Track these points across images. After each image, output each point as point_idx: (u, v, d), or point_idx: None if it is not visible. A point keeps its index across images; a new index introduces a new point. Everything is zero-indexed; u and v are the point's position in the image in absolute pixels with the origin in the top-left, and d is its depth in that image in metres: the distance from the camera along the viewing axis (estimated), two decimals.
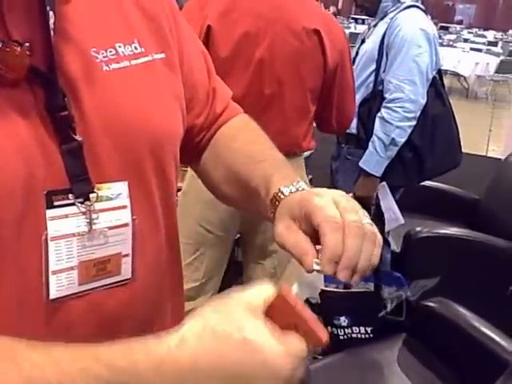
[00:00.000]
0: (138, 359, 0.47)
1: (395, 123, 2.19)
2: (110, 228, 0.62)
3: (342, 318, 2.21)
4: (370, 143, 2.25)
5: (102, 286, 0.63)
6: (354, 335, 2.23)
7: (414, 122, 2.21)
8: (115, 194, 0.62)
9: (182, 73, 0.74)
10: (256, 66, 1.70)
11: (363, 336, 2.22)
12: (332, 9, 24.22)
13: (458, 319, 1.72)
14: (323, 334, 0.48)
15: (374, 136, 2.24)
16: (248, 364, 0.47)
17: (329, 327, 2.25)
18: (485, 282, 2.30)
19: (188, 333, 0.48)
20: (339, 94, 1.88)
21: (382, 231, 2.34)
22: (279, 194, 0.67)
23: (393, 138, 2.20)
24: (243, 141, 0.81)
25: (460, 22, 26.55)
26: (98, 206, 0.61)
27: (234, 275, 2.16)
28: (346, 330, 2.23)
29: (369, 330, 2.21)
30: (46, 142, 0.57)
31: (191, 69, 0.77)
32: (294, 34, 1.72)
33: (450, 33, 17.54)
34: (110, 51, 0.63)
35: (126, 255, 0.64)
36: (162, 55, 0.69)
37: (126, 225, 0.64)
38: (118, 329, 0.64)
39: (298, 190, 0.67)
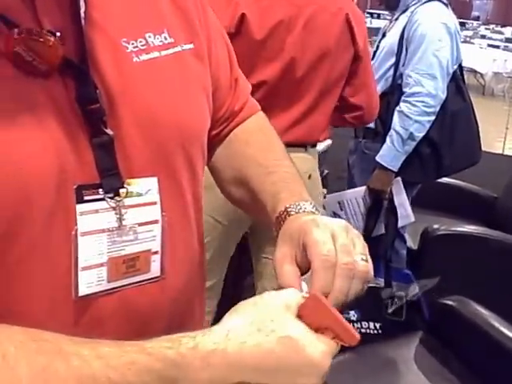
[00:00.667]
0: (187, 352, 0.48)
1: (414, 117, 2.16)
2: (140, 224, 0.61)
3: (352, 312, 2.20)
4: (388, 137, 2.22)
5: (132, 283, 0.62)
6: (363, 330, 2.22)
7: (433, 117, 2.18)
8: (145, 189, 0.61)
9: (210, 63, 0.73)
10: (289, 50, 1.71)
11: (372, 331, 2.21)
12: None
13: (476, 318, 1.69)
14: (356, 333, 0.51)
15: (391, 130, 2.21)
16: (291, 360, 0.49)
17: None
18: (503, 280, 2.27)
19: (234, 327, 0.50)
20: (366, 77, 1.88)
21: (395, 226, 2.32)
22: (285, 213, 0.67)
23: (411, 133, 2.17)
24: (256, 147, 0.80)
25: (477, 18, 26.29)
26: (127, 201, 0.60)
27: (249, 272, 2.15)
28: (355, 324, 2.22)
29: (378, 326, 2.19)
30: (77, 135, 0.56)
31: (217, 60, 0.76)
32: (324, 18, 1.73)
33: (467, 29, 17.37)
34: (140, 41, 0.62)
35: (156, 252, 0.63)
36: (191, 46, 0.68)
37: (155, 221, 0.62)
38: (149, 326, 0.63)
39: (304, 211, 0.67)
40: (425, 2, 2.26)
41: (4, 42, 0.52)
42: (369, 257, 0.61)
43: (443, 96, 2.19)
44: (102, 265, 0.59)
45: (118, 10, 0.62)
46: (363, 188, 2.33)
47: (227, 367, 0.49)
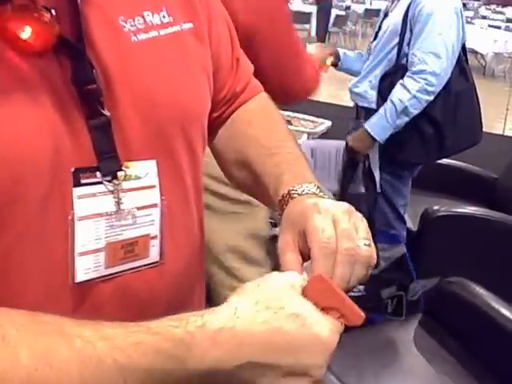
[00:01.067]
0: (195, 330, 0.48)
1: (413, 92, 2.12)
2: (139, 208, 0.59)
3: None
4: (382, 107, 2.18)
5: (130, 268, 0.60)
6: None
7: (432, 97, 2.15)
8: (143, 172, 0.59)
9: (211, 43, 0.70)
10: None
11: (355, 294, 2.19)
12: None
13: (476, 299, 1.69)
14: (362, 313, 0.51)
15: (388, 100, 2.17)
16: (300, 337, 0.49)
17: None
18: (504, 261, 2.27)
19: (242, 306, 0.49)
20: (275, 59, 1.52)
21: (374, 189, 2.29)
22: (287, 196, 0.65)
23: (406, 107, 2.13)
24: (258, 128, 0.78)
25: None
26: (125, 185, 0.58)
27: None
28: None
29: (361, 287, 2.16)
30: (73, 117, 0.54)
31: (218, 40, 0.74)
32: None
33: (468, 9, 17.23)
34: (138, 20, 0.60)
35: (155, 237, 0.62)
36: (190, 25, 0.66)
37: (154, 205, 0.61)
38: (147, 311, 0.61)
39: (307, 193, 0.64)
40: None
41: None
42: (372, 241, 0.59)
43: (446, 77, 2.15)
44: (99, 250, 0.57)
45: None
46: (341, 143, 2.30)
47: (236, 346, 0.48)
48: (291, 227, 0.60)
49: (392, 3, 2.39)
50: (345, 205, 0.60)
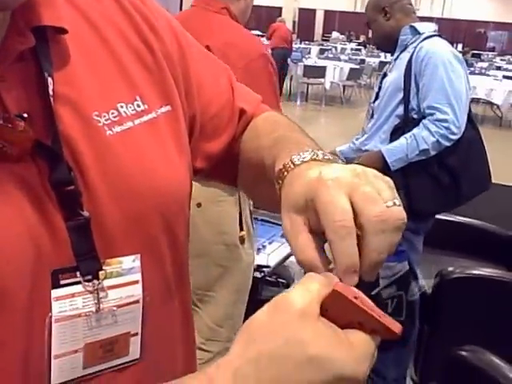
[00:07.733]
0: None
1: (437, 136, 2.19)
2: (120, 306, 0.57)
3: None
4: (404, 138, 2.23)
5: (109, 367, 0.57)
6: None
7: (450, 144, 2.21)
8: (126, 268, 0.58)
9: (195, 97, 0.70)
10: None
11: None
12: (362, 37, 24.30)
13: (492, 370, 1.60)
14: (395, 326, 0.43)
15: (409, 136, 2.22)
16: (321, 381, 0.42)
17: None
18: None
19: (240, 362, 0.43)
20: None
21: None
22: (289, 163, 0.56)
23: (428, 149, 2.20)
24: (263, 133, 0.72)
25: (492, 49, 26.29)
26: (107, 282, 0.56)
27: None
28: None
29: None
30: (52, 219, 0.53)
31: (208, 99, 0.74)
32: None
33: (482, 60, 17.36)
34: (112, 113, 0.59)
35: (135, 334, 0.59)
36: (167, 108, 0.65)
37: (136, 302, 0.59)
38: None
39: (303, 161, 0.56)
40: (425, 38, 2.31)
41: None
42: (399, 200, 0.50)
43: (463, 126, 2.22)
44: (76, 351, 0.55)
45: (87, 82, 0.59)
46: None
47: None
48: (296, 207, 0.52)
49: (390, 64, 2.50)
50: (356, 166, 0.52)
